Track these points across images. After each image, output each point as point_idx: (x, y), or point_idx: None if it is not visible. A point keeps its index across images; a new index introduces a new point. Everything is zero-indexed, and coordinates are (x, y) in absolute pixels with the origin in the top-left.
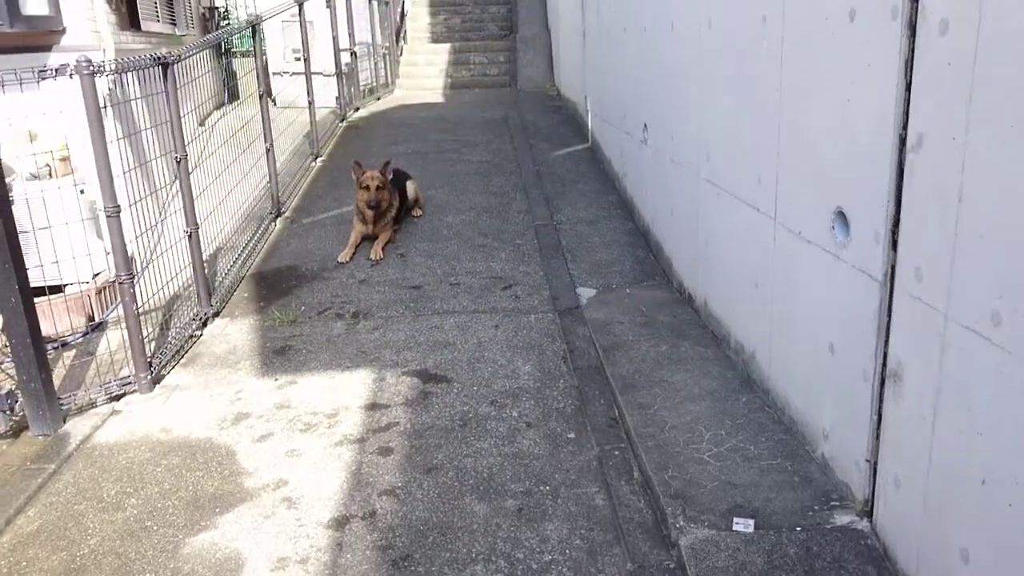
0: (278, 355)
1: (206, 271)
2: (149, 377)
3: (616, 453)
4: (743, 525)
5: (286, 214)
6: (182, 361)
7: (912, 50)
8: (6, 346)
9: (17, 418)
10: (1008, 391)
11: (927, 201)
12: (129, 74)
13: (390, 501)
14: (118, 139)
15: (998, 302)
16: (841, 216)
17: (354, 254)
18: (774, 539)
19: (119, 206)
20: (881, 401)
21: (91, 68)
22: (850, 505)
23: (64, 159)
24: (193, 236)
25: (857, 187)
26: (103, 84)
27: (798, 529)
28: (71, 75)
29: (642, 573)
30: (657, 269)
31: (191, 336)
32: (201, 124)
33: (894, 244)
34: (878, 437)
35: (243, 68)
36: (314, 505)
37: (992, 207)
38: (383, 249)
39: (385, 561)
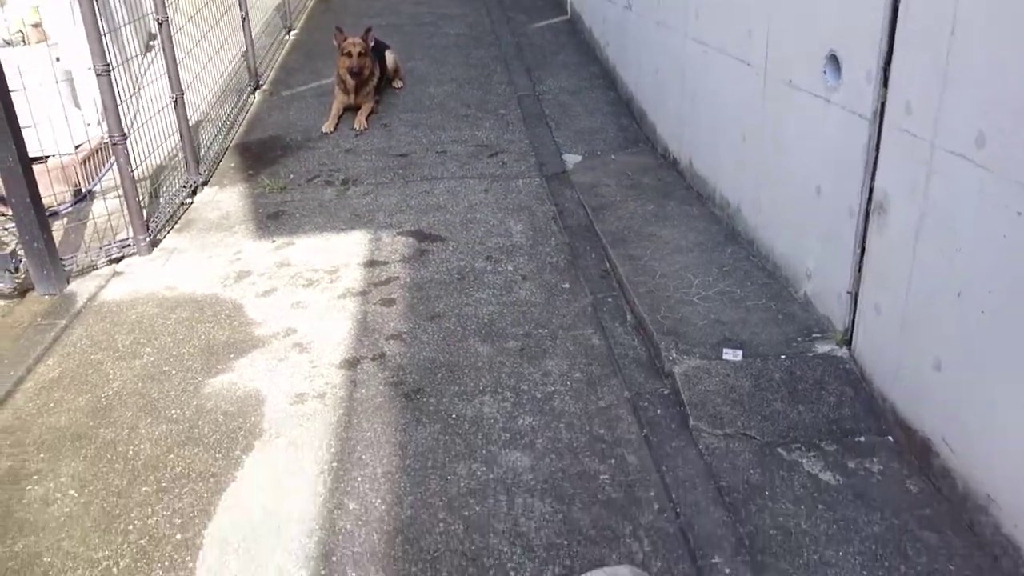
0: (272, 219)
1: (194, 138)
2: (147, 240)
3: (609, 300)
4: (732, 354)
5: (264, 87)
6: (176, 227)
7: None
8: (2, 213)
9: (21, 279)
10: (987, 207)
11: (920, 36)
12: None
13: (397, 344)
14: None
15: (983, 124)
16: (833, 60)
17: (338, 124)
18: (760, 366)
19: (108, 64)
20: (865, 235)
21: None
22: (830, 336)
23: (36, 25)
24: (179, 102)
25: (851, 29)
26: None
27: (782, 357)
28: None
29: (639, 399)
30: (641, 136)
31: (182, 203)
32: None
33: (885, 82)
34: (860, 269)
35: None
36: (324, 349)
37: (982, 35)
38: (367, 119)
39: (398, 394)
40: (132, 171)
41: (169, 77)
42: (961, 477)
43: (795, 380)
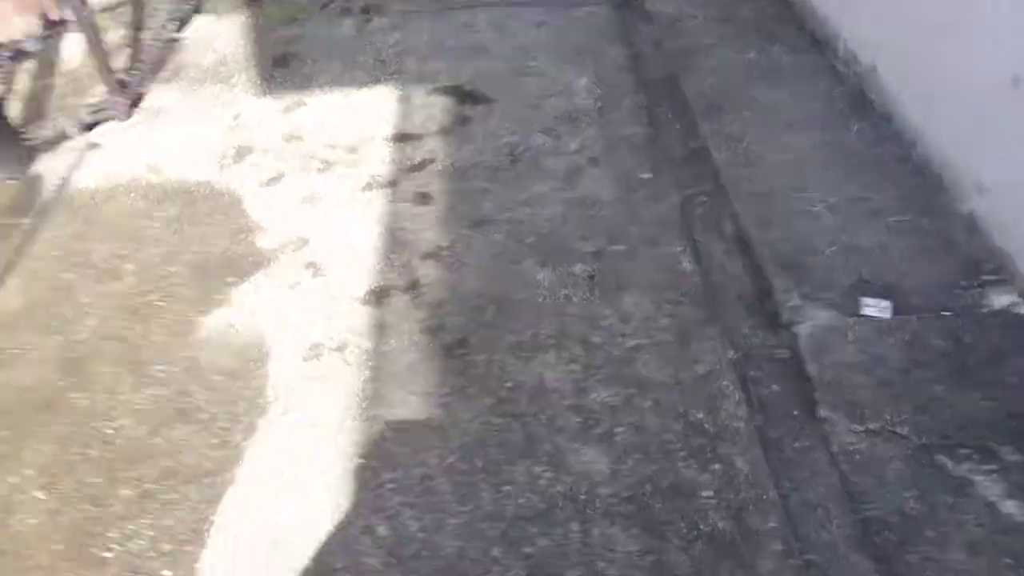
0: (279, 66)
1: None
2: (127, 102)
3: (703, 199)
4: (875, 308)
5: None
6: (164, 75)
7: None
8: None
9: None
10: None
11: None
12: None
13: (435, 267)
14: None
15: None
16: None
17: None
18: (915, 327)
19: None
20: None
21: None
22: (1009, 280)
23: None
24: None
25: None
26: None
27: (945, 314)
28: None
29: (747, 364)
30: None
31: (170, 40)
32: None
33: None
34: None
35: None
36: (345, 272)
37: None
38: None
39: (437, 347)
40: (89, 13)
41: None
42: None
43: (962, 351)
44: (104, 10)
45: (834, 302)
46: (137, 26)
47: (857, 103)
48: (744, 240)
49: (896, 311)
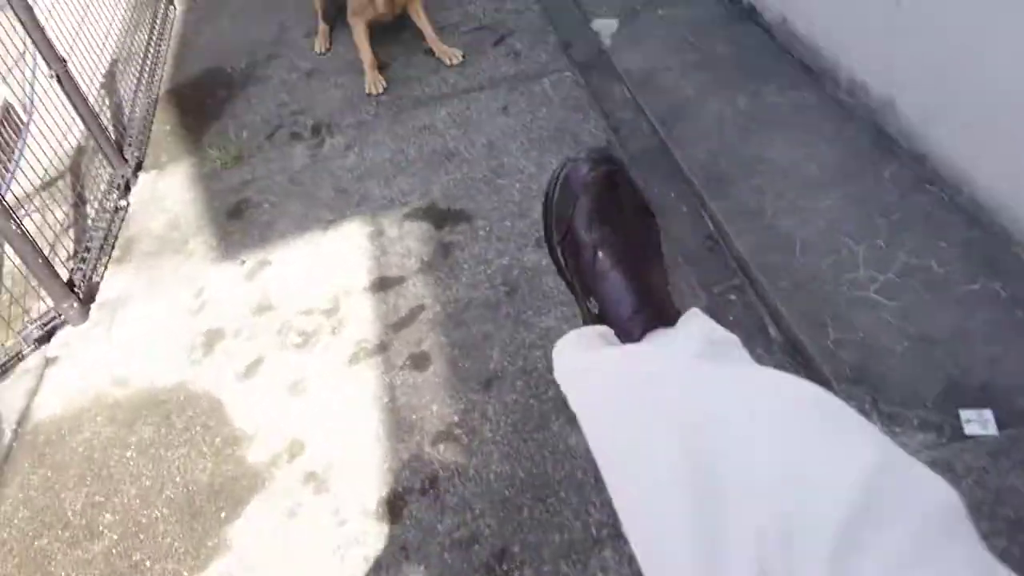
0: (234, 219)
1: (107, 105)
2: (76, 303)
3: (732, 298)
4: (979, 424)
5: None
6: (115, 254)
7: None
8: None
9: None
10: None
11: None
12: None
13: (451, 452)
14: None
15: None
16: None
17: (329, 46)
18: None
19: None
20: None
21: None
22: None
23: None
24: (63, 78)
25: None
26: None
27: None
28: None
29: None
30: None
31: (116, 210)
32: None
33: None
34: None
35: None
36: (349, 479)
37: None
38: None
39: (476, 569)
40: (19, 224)
41: (38, 47)
42: None
43: None
44: (44, 187)
45: (925, 421)
46: (78, 200)
47: (877, 142)
48: (796, 347)
49: (1000, 420)
